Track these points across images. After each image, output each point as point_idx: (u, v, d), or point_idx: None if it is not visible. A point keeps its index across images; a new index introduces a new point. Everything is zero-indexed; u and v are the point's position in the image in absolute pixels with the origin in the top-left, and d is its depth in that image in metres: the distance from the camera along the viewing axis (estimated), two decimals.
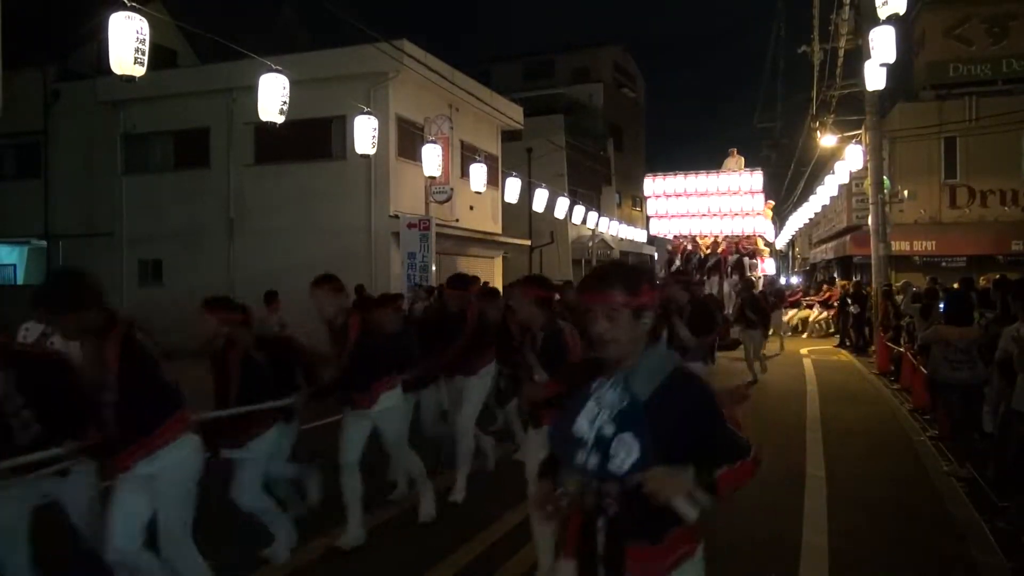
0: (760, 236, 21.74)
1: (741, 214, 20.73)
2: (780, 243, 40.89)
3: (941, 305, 8.12)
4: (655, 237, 25.43)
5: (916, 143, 19.69)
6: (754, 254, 20.79)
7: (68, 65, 19.39)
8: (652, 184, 22.13)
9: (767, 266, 22.91)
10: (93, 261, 18.31)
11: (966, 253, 19.81)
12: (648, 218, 23.05)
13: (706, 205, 21.01)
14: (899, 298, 14.11)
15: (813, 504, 5.59)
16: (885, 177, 17.20)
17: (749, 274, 19.09)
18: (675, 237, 21.56)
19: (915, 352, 10.00)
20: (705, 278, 18.23)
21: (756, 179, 20.81)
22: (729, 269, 19.30)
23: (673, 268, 19.61)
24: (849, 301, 16.43)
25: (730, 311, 16.46)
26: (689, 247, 20.81)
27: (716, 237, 20.97)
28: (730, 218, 20.73)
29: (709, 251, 20.37)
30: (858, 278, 21.34)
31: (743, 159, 22.27)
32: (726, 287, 18.21)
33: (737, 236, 20.83)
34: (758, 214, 20.79)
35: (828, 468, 6.60)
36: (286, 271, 13.58)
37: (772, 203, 23.87)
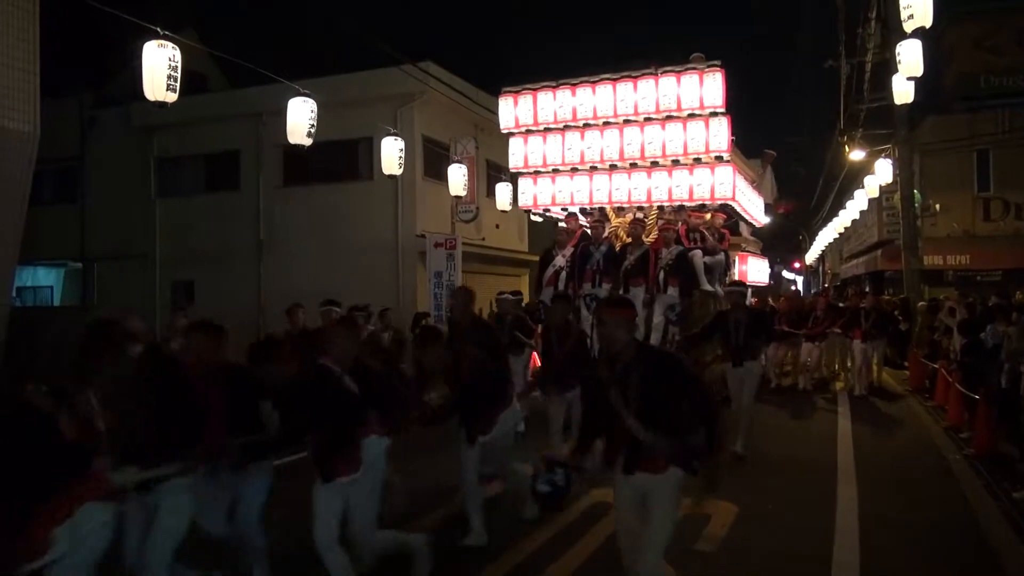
0: (732, 205, 10.36)
1: (686, 162, 9.84)
2: (810, 258, 40.56)
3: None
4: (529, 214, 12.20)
5: (947, 156, 19.41)
6: (717, 242, 10.21)
7: (103, 92, 19.90)
8: (512, 109, 10.71)
9: (753, 269, 12.74)
10: (127, 283, 18.70)
11: (1001, 267, 19.41)
12: (512, 177, 11.96)
13: (615, 144, 10.10)
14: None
15: (844, 522, 5.50)
16: (916, 191, 16.98)
17: (711, 285, 9.86)
18: (568, 217, 10.54)
19: (951, 368, 9.84)
20: (620, 292, 9.18)
21: (712, 87, 9.51)
22: (662, 273, 9.29)
23: (552, 272, 9.89)
24: (899, 317, 15.89)
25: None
26: (591, 231, 9.95)
27: (643, 213, 10.59)
28: (666, 173, 9.98)
29: (630, 239, 9.76)
30: (891, 292, 21.02)
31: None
32: (656, 312, 9.28)
33: (686, 207, 10.28)
34: (724, 162, 9.71)
35: (859, 486, 6.49)
36: (314, 291, 13.69)
37: (773, 154, 13.98)
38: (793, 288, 26.78)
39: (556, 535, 5.30)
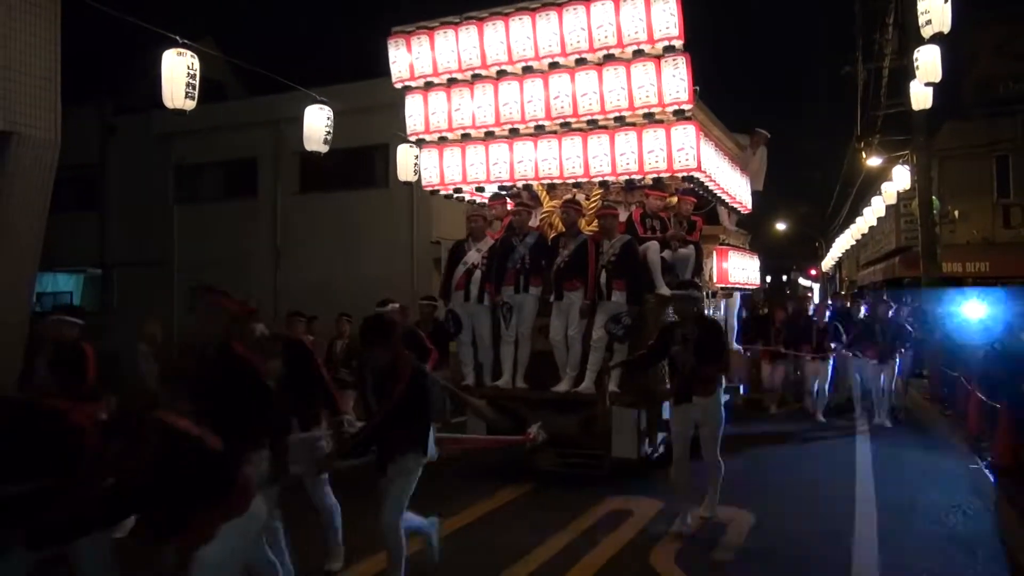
0: (703, 181, 7.72)
1: (632, 120, 7.31)
2: (826, 265, 40.24)
3: None
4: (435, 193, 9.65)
5: (967, 162, 19.25)
6: (683, 232, 7.78)
7: (123, 100, 20.14)
8: (406, 55, 8.17)
9: (737, 268, 9.81)
10: (146, 289, 18.86)
11: (1021, 274, 19.18)
12: (415, 143, 9.20)
13: (539, 98, 7.53)
14: None
15: (864, 531, 5.45)
16: (934, 197, 16.84)
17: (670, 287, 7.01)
18: (493, 200, 8.63)
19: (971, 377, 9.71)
20: (552, 298, 7.24)
21: (662, 14, 6.84)
22: (604, 273, 7.03)
23: (463, 271, 7.69)
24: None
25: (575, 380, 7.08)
26: (514, 218, 7.79)
27: (583, 192, 8.20)
28: (607, 137, 7.42)
29: (564, 228, 7.55)
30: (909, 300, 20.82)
31: None
32: (597, 325, 7.03)
33: (638, 184, 7.85)
34: (685, 119, 7.04)
35: (879, 495, 6.43)
36: (330, 297, 13.78)
37: (767, 134, 11.06)
38: (808, 294, 26.10)
39: (572, 542, 5.28)
